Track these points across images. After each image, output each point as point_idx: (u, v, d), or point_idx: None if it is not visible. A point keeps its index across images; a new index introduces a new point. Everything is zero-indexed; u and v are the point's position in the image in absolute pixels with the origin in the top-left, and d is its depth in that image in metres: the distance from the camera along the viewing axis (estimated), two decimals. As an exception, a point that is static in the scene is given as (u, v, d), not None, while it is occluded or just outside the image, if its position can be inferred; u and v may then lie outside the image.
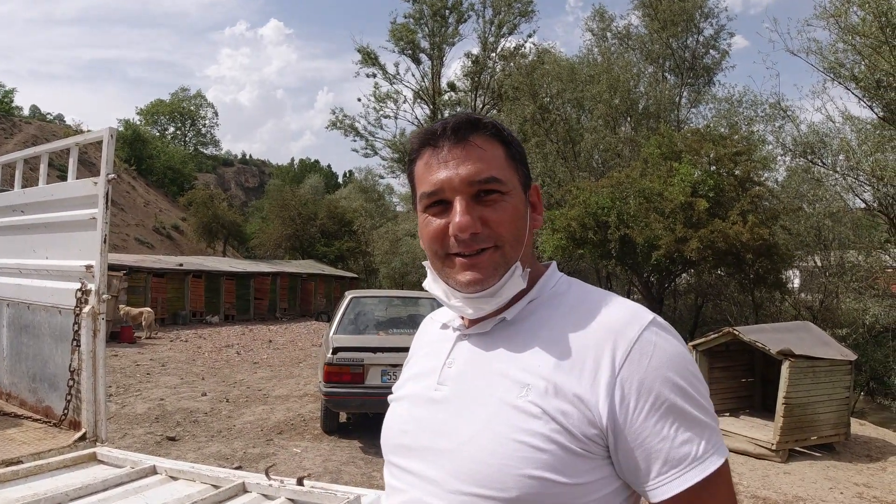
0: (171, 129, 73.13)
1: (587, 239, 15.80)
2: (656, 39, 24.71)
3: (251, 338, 20.30)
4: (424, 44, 30.16)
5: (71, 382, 3.42)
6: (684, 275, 19.48)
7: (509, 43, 29.81)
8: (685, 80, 24.99)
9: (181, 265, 26.24)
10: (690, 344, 8.97)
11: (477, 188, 0.99)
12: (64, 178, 4.71)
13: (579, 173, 22.04)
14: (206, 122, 76.47)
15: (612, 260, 16.43)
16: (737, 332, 7.93)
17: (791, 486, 6.46)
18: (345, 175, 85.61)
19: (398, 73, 30.57)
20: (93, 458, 3.01)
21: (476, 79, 30.21)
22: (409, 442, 1.06)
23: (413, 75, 31.08)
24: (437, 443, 1.00)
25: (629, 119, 24.14)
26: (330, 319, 9.80)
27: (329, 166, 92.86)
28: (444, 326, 1.15)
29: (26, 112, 62.39)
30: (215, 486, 2.40)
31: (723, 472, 0.92)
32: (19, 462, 2.94)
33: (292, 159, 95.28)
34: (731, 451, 7.35)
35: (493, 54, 30.00)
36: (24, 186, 4.17)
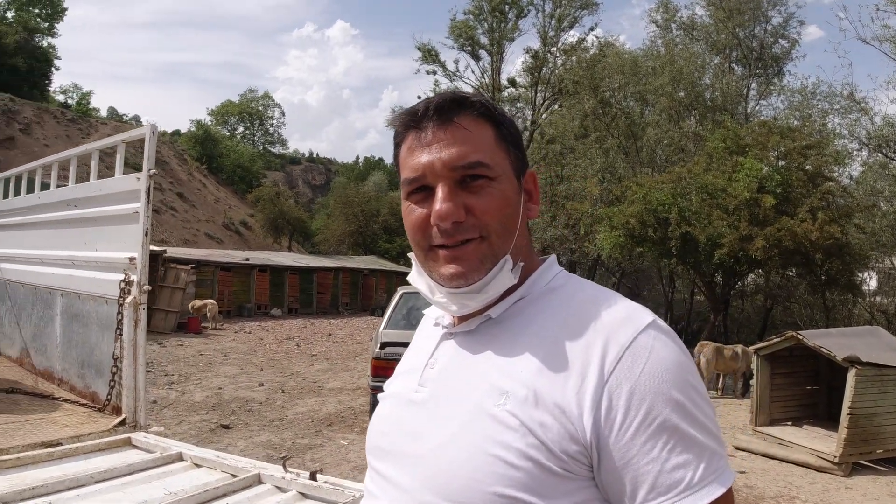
0: (241, 129, 75.53)
1: (647, 236, 15.38)
2: (722, 29, 23.79)
3: (312, 331, 20.76)
4: (484, 40, 30.02)
5: (114, 369, 3.56)
6: (752, 275, 18.75)
7: (570, 37, 29.39)
8: (753, 70, 23.97)
9: (247, 259, 27.07)
10: (752, 348, 8.62)
11: (461, 173, 0.90)
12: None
13: (641, 169, 21.50)
14: (274, 121, 78.69)
15: (673, 258, 15.94)
16: (800, 337, 7.57)
17: (852, 502, 6.13)
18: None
19: (458, 70, 30.54)
20: (127, 443, 3.12)
21: (536, 74, 29.84)
22: (386, 444, 0.99)
23: (473, 72, 30.98)
24: (412, 448, 0.92)
25: (694, 112, 23.36)
26: (382, 314, 9.89)
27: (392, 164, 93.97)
28: (436, 324, 1.05)
29: (104, 113, 65.54)
30: (233, 476, 2.44)
31: None
32: (58, 444, 3.09)
33: (357, 157, 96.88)
34: (790, 462, 7.08)
35: (554, 49, 29.59)
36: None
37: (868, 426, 6.92)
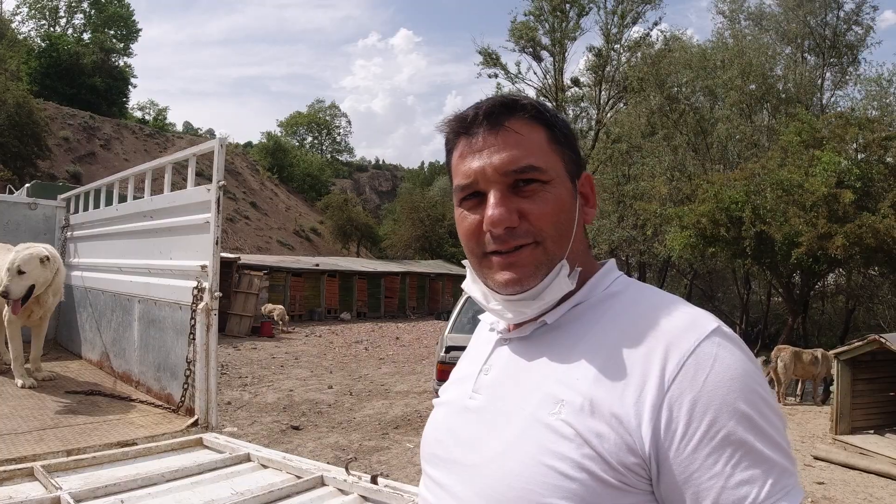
0: (309, 139, 77.57)
1: (719, 236, 14.87)
2: (792, 18, 22.79)
3: (380, 334, 21.05)
4: (545, 40, 29.68)
5: (188, 372, 3.72)
6: (832, 275, 17.86)
7: (634, 33, 28.77)
8: (827, 60, 22.86)
9: (317, 265, 27.74)
10: (832, 353, 8.23)
11: (514, 178, 0.89)
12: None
13: (712, 166, 20.84)
14: (341, 130, 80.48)
15: (748, 259, 15.36)
16: (884, 340, 7.18)
17: (945, 511, 5.76)
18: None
19: (520, 73, 30.27)
20: (199, 444, 3.25)
21: (600, 72, 29.32)
22: (441, 452, 0.97)
23: (535, 73, 30.87)
24: (467, 457, 0.91)
25: (766, 105, 22.47)
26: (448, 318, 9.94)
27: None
28: (490, 329, 1.04)
29: (179, 128, 68.70)
30: (297, 477, 2.51)
31: None
32: (133, 444, 3.24)
33: (422, 163, 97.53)
34: (872, 472, 6.72)
35: (617, 46, 29.02)
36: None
37: (960, 434, 6.51)
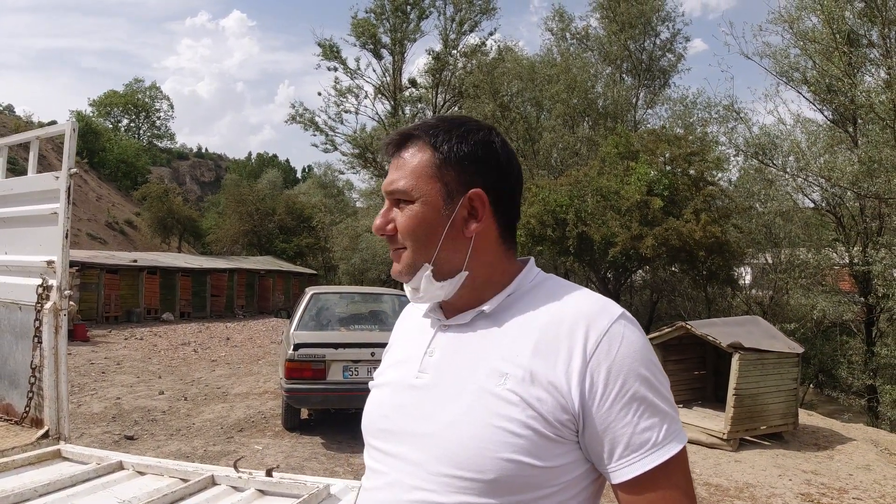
0: (125, 122, 71.30)
1: (546, 236, 16.04)
2: (614, 41, 25.14)
3: (208, 335, 20.00)
4: (386, 39, 29.96)
5: (32, 380, 3.36)
6: (640, 271, 19.93)
7: (471, 39, 29.92)
8: (642, 81, 25.52)
9: (135, 261, 25.68)
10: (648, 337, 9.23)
11: (393, 196, 1.11)
12: (14, 171, 4.62)
13: (538, 171, 22.30)
14: (162, 114, 74.74)
15: (571, 256, 16.71)
16: (689, 327, 8.20)
17: (742, 474, 6.72)
18: (304, 170, 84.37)
19: (359, 68, 30.27)
20: (57, 455, 2.97)
21: (437, 75, 30.14)
22: (390, 426, 1.11)
23: (374, 70, 30.98)
24: (419, 427, 1.06)
25: (587, 119, 24.52)
26: (290, 316, 9.75)
27: (288, 161, 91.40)
28: (426, 316, 1.19)
29: (-27, 101, 60.01)
30: (184, 480, 2.41)
31: (680, 458, 0.99)
32: (-22, 460, 2.89)
33: (250, 153, 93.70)
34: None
35: (455, 51, 30.00)
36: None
37: (752, 405, 7.64)
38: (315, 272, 39.71)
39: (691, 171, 15.79)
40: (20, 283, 3.49)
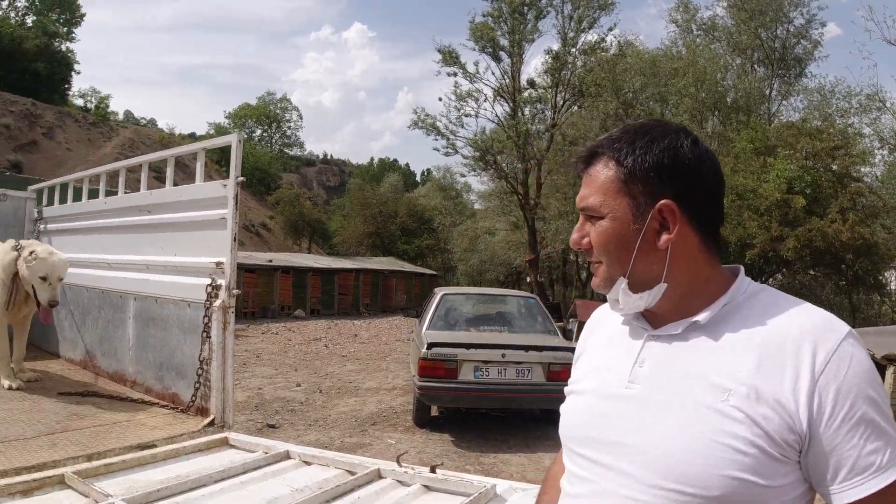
0: (258, 132, 75.95)
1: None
2: (744, 30, 23.69)
3: (337, 332, 20.88)
4: (504, 41, 29.91)
5: (200, 371, 3.64)
6: (779, 275, 18.68)
7: (590, 37, 29.30)
8: (775, 71, 23.86)
9: (270, 261, 27.27)
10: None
11: (586, 213, 1.13)
12: (158, 179, 5.03)
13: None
14: (291, 124, 79.05)
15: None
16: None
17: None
18: (423, 174, 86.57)
19: (478, 72, 30.40)
20: (224, 443, 3.19)
21: (557, 75, 29.74)
22: (595, 434, 1.10)
23: (493, 73, 30.89)
24: (630, 438, 1.05)
25: (717, 113, 23.29)
26: (419, 315, 9.98)
27: (408, 165, 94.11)
28: (626, 323, 1.19)
29: (121, 117, 66.24)
30: (350, 472, 2.51)
31: None
32: (153, 446, 3.15)
33: (372, 158, 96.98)
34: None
35: (574, 49, 29.48)
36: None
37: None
38: (435, 273, 40.45)
39: (835, 167, 14.60)
40: (189, 282, 3.80)
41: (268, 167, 61.28)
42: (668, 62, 23.55)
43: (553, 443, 7.75)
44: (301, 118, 79.68)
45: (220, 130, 61.76)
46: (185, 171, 4.81)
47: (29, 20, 50.64)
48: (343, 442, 7.29)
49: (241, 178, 3.41)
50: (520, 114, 29.85)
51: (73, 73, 52.30)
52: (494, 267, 40.59)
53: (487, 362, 7.18)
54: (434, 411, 8.54)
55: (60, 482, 2.52)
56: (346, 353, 15.39)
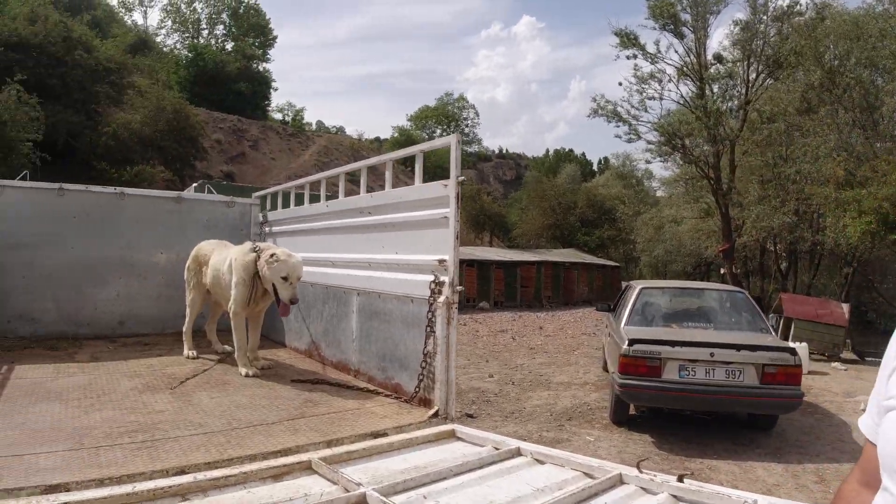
0: (438, 132, 78.76)
1: (903, 222, 13.53)
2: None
3: (522, 324, 21.03)
4: (685, 16, 28.10)
5: (423, 364, 3.80)
6: None
7: (781, 1, 26.52)
8: None
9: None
10: None
11: None
12: (354, 184, 5.31)
13: (883, 144, 18.89)
14: (469, 122, 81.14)
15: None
16: None
17: None
18: (600, 162, 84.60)
19: (659, 51, 28.87)
20: (451, 435, 3.29)
21: (747, 47, 27.37)
22: None
23: (675, 51, 29.15)
24: None
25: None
26: (613, 309, 9.70)
27: (584, 155, 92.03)
28: None
29: (314, 127, 72.13)
30: (587, 475, 2.46)
31: None
32: (384, 434, 3.32)
33: (547, 150, 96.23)
34: None
35: (764, 17, 26.93)
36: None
37: None
38: (617, 264, 39.32)
39: None
40: (412, 279, 3.98)
41: (447, 164, 63.30)
42: (874, 22, 20.59)
43: (764, 451, 7.22)
44: (477, 115, 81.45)
45: (402, 133, 65.03)
46: (374, 173, 5.06)
47: (228, 45, 56.95)
48: (541, 436, 7.30)
49: (462, 178, 3.50)
50: (708, 92, 27.91)
51: (270, 90, 58.26)
52: (681, 258, 38.42)
53: (694, 361, 6.78)
54: (632, 409, 8.27)
55: (307, 468, 2.73)
56: (533, 346, 15.44)
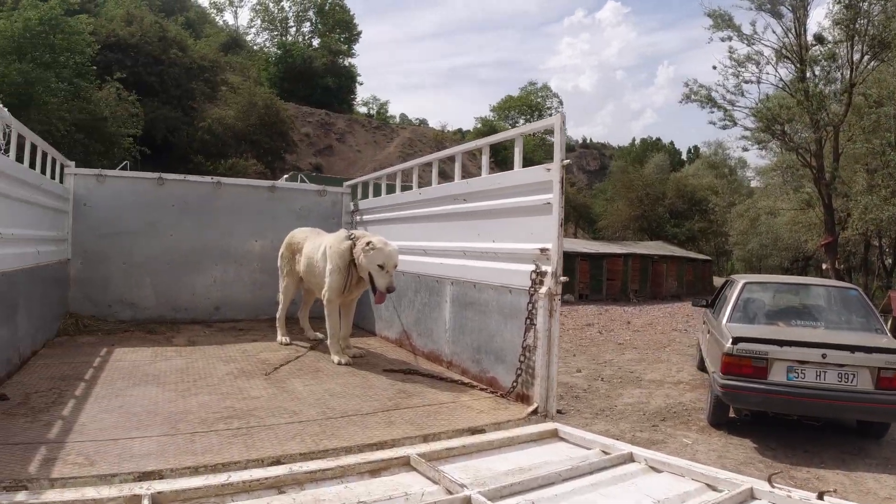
0: (521, 122, 78.11)
1: None
2: None
3: (608, 318, 20.48)
4: (785, -6, 26.51)
5: (522, 358, 3.62)
6: None
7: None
8: None
9: (539, 247, 27.71)
10: None
11: None
12: (443, 175, 5.15)
13: None
14: (552, 111, 79.81)
15: None
16: None
17: None
18: (689, 151, 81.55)
19: (755, 32, 27.34)
20: (554, 435, 3.12)
21: (850, 26, 25.45)
22: None
23: (773, 32, 27.49)
24: None
25: None
26: (712, 305, 9.20)
27: (672, 143, 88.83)
28: None
29: (398, 120, 73.33)
30: (712, 487, 2.24)
31: None
32: (482, 430, 3.17)
33: (633, 139, 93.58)
34: None
35: (870, -9, 24.93)
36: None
37: None
38: (708, 258, 37.74)
39: None
40: (510, 268, 3.81)
41: (532, 155, 62.62)
42: None
43: (874, 461, 6.65)
44: (561, 104, 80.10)
45: (485, 124, 64.75)
46: (450, 163, 4.90)
47: (315, 42, 58.58)
48: (634, 436, 6.98)
49: (566, 161, 3.30)
50: (809, 74, 26.20)
51: (356, 84, 59.60)
52: (777, 252, 36.48)
53: (804, 362, 6.29)
54: (732, 412, 7.81)
55: (406, 464, 2.62)
56: (621, 341, 14.96)
